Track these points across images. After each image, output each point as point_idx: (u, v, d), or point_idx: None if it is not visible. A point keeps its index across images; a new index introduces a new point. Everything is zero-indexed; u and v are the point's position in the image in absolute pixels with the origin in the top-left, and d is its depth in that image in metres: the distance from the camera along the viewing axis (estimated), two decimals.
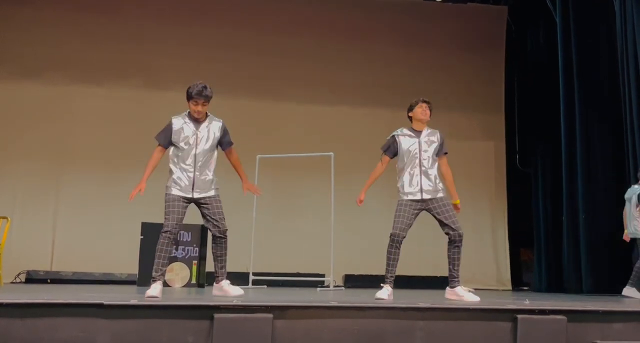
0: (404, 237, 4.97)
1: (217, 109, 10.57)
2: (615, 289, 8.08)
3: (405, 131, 5.20)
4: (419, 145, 5.08)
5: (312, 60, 10.39)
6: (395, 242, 4.96)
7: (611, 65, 8.60)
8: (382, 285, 5.00)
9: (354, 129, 10.25)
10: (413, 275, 9.48)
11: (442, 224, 5.04)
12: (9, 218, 7.74)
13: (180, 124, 4.79)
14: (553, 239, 9.56)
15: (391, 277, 5.07)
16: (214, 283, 4.87)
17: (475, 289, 10.11)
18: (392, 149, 5.18)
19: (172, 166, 4.74)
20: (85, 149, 9.52)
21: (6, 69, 9.40)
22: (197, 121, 4.82)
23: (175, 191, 4.65)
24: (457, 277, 5.03)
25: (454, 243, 5.01)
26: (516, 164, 10.98)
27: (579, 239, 8.61)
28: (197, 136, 4.75)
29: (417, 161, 5.06)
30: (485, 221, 10.70)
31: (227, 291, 4.76)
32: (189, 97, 4.80)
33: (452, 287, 5.04)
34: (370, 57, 10.55)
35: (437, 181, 5.09)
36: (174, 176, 4.69)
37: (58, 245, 9.18)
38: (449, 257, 5.06)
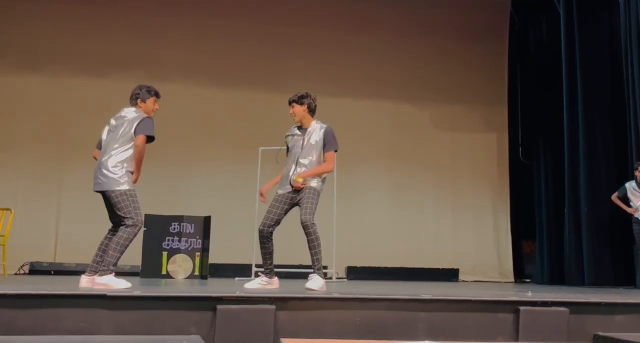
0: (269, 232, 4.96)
1: (219, 101, 10.64)
2: (616, 281, 8.10)
3: None
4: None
5: (314, 52, 10.36)
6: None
7: (614, 57, 8.58)
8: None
9: (356, 121, 10.25)
10: (414, 267, 9.52)
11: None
12: (12, 210, 7.78)
13: None
14: (555, 231, 9.56)
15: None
16: (100, 276, 4.49)
17: (477, 281, 10.18)
18: None
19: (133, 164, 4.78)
20: (88, 141, 9.45)
21: (8, 61, 9.40)
22: None
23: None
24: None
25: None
26: (519, 156, 10.98)
27: (581, 231, 8.61)
28: None
29: None
30: (488, 213, 10.71)
31: (111, 285, 4.38)
32: (157, 95, 4.93)
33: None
34: (372, 48, 10.53)
35: None
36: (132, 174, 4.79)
37: (61, 237, 9.21)
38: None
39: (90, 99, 9.60)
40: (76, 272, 8.80)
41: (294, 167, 4.99)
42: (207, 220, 8.22)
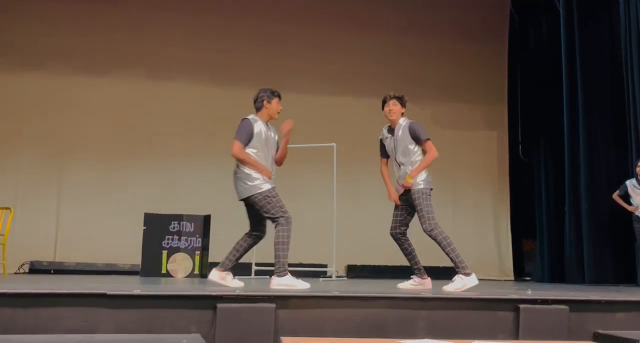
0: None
1: (217, 99, 10.62)
2: (617, 279, 8.11)
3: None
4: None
5: (314, 50, 10.36)
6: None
7: (614, 55, 8.57)
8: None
9: (356, 120, 10.24)
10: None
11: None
12: (12, 209, 7.78)
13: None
14: (555, 230, 9.57)
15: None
16: (278, 277, 4.79)
17: (478, 279, 10.15)
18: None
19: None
20: (88, 140, 9.53)
21: (8, 61, 9.39)
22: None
23: None
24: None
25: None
26: (519, 154, 10.97)
27: (581, 229, 8.62)
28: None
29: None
30: (488, 212, 10.71)
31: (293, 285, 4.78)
32: (278, 96, 5.04)
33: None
34: (373, 47, 10.52)
35: None
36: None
37: (61, 236, 9.20)
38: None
39: (90, 97, 9.60)
40: (76, 271, 8.81)
41: (397, 168, 5.08)
42: (206, 218, 8.21)
